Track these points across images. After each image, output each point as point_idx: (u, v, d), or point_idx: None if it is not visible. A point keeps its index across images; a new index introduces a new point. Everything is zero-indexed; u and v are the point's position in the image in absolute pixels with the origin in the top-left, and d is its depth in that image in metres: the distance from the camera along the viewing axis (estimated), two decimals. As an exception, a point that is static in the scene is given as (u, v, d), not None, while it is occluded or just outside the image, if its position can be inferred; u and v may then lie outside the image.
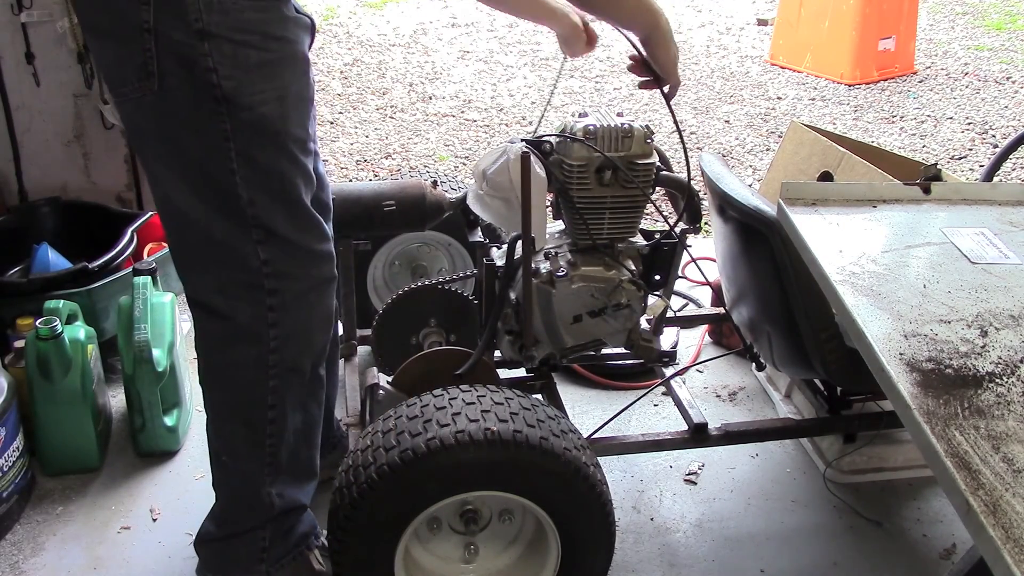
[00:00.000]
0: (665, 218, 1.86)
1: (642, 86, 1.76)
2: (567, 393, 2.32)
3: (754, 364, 2.18)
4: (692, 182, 1.86)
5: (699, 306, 2.85)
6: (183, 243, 1.48)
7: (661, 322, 1.96)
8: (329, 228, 1.75)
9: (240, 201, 1.39)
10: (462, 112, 4.99)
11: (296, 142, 1.42)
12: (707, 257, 2.88)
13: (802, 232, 1.57)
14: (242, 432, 1.57)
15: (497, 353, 1.99)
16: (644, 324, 1.92)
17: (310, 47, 1.50)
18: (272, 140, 1.38)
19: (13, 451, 1.93)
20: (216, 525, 1.66)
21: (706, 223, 3.12)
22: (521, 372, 2.02)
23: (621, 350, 1.96)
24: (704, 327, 2.72)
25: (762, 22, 6.96)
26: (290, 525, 1.65)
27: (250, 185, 1.38)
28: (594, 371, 2.48)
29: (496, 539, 1.64)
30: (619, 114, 1.79)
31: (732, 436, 1.96)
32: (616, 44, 6.41)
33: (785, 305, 1.79)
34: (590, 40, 1.72)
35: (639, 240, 1.90)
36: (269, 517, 1.61)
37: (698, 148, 4.54)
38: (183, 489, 2.06)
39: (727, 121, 4.94)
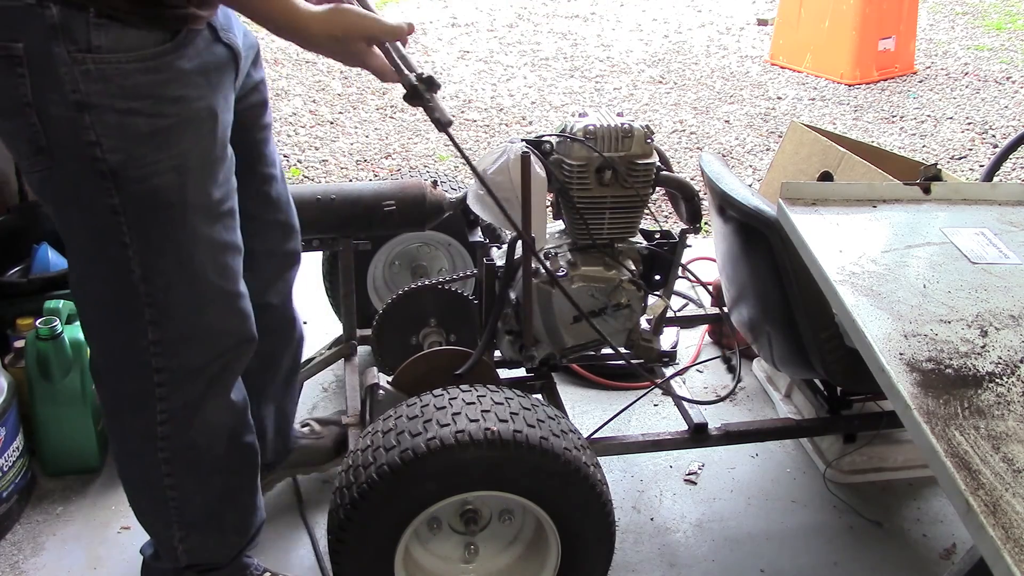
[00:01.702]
0: (656, 219, 1.86)
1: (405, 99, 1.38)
2: (567, 393, 2.32)
3: (755, 360, 2.16)
4: (692, 181, 1.86)
5: (699, 306, 2.85)
6: (82, 313, 1.42)
7: (661, 322, 1.96)
8: (298, 237, 1.71)
9: (132, 276, 1.31)
10: (462, 112, 4.99)
11: (201, 212, 1.32)
12: (707, 257, 2.88)
13: (802, 232, 1.57)
14: (144, 493, 1.55)
15: (497, 353, 1.99)
16: (644, 324, 1.92)
17: (237, 79, 1.39)
18: (167, 213, 1.28)
19: (13, 451, 1.93)
20: (151, 546, 1.67)
21: (706, 223, 3.12)
22: (521, 372, 2.02)
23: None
24: (704, 327, 2.72)
25: (762, 22, 6.96)
26: (208, 570, 1.64)
27: (144, 261, 1.30)
28: (594, 371, 2.48)
29: (496, 539, 1.64)
30: (619, 114, 1.79)
31: (732, 436, 1.96)
32: (615, 44, 6.42)
33: (785, 305, 1.79)
34: None
35: (639, 240, 1.90)
36: (176, 568, 1.60)
37: (698, 148, 4.54)
38: (183, 489, 2.06)
39: (727, 121, 4.94)
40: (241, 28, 1.43)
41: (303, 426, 2.04)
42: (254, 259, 1.58)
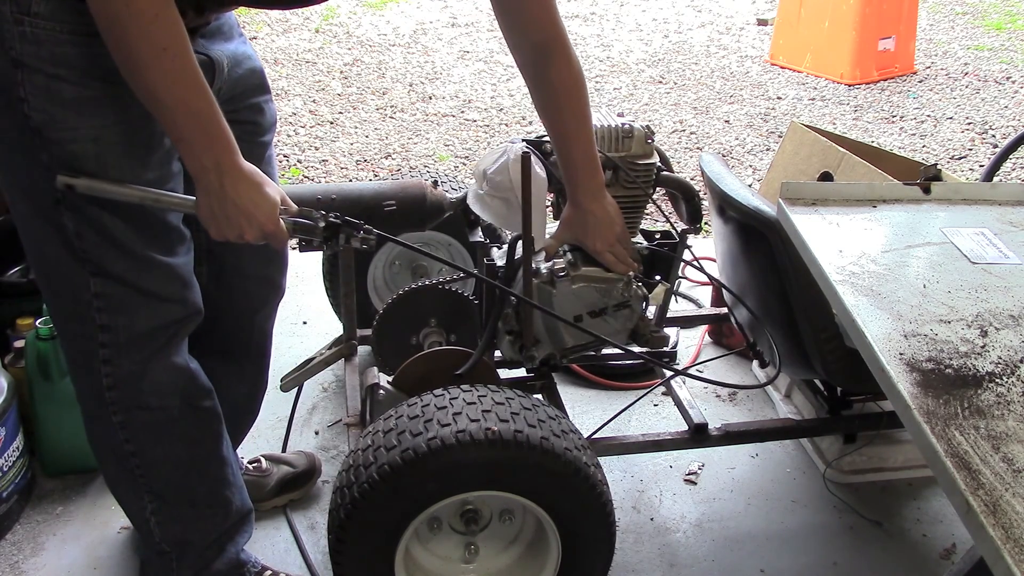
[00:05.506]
0: (667, 218, 1.86)
1: None
2: (567, 393, 2.32)
3: (756, 361, 2.16)
4: (692, 181, 1.85)
5: (699, 306, 2.85)
6: (34, 271, 1.44)
7: (665, 307, 1.95)
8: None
9: (67, 231, 1.34)
10: (462, 112, 4.99)
11: None
12: (707, 257, 2.88)
13: (802, 232, 1.57)
14: (110, 460, 1.57)
15: (497, 353, 1.99)
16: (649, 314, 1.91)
17: (212, 85, 1.38)
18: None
19: (13, 451, 1.93)
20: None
21: (706, 223, 3.12)
22: (521, 372, 2.02)
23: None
24: (704, 327, 2.72)
25: (762, 22, 6.96)
26: (198, 553, 1.64)
27: (76, 219, 1.34)
28: (594, 371, 2.47)
29: (496, 539, 1.64)
30: (619, 114, 1.79)
31: (732, 436, 1.96)
32: (615, 44, 6.42)
33: (785, 305, 1.79)
34: None
35: (640, 240, 1.90)
36: (156, 548, 1.61)
37: (698, 148, 4.54)
38: (183, 489, 2.06)
39: (727, 121, 4.94)
40: (238, 50, 1.49)
41: (252, 462, 2.02)
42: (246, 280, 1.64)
